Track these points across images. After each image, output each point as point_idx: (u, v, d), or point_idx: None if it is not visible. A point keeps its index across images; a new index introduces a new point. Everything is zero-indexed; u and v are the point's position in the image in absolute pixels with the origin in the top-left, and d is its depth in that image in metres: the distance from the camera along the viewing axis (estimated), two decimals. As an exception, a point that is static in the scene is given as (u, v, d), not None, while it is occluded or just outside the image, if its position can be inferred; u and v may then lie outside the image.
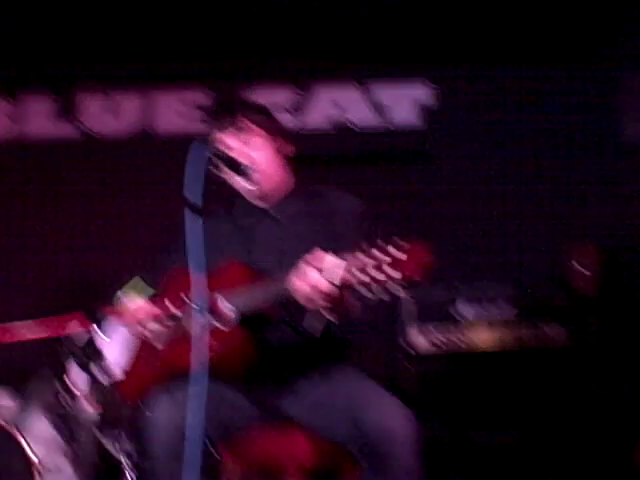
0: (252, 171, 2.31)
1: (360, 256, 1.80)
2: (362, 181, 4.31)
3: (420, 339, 3.58)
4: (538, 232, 4.14)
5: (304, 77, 4.40)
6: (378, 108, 4.43)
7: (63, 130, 4.42)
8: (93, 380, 2.81)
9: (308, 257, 1.94)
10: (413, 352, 3.55)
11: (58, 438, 2.57)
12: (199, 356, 1.97)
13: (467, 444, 3.52)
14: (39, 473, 2.63)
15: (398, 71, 4.36)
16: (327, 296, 1.91)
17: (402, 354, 3.53)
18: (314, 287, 1.91)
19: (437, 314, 3.62)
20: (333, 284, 1.87)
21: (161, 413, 2.17)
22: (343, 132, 4.45)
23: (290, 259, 2.29)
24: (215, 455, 2.25)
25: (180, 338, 2.28)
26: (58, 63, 4.29)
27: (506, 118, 4.32)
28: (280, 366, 2.33)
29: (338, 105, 4.43)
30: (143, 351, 2.46)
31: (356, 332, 2.21)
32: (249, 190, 2.37)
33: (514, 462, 3.45)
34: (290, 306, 2.07)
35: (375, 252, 1.78)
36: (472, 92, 4.31)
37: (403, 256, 1.74)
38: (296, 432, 2.32)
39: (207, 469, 2.18)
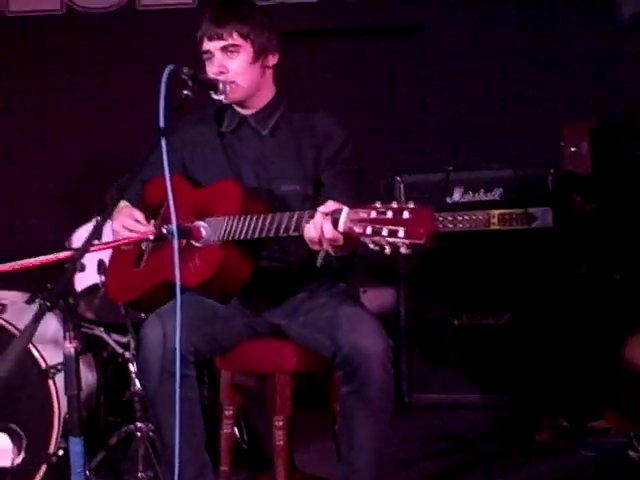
0: (224, 85, 2.32)
1: (370, 211, 1.85)
2: (351, 53, 4.24)
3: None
4: (531, 111, 4.06)
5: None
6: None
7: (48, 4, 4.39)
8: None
9: (321, 207, 2.00)
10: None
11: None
12: (177, 272, 2.04)
13: (459, 326, 3.61)
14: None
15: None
16: (332, 241, 1.98)
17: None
18: (322, 234, 1.98)
19: (429, 196, 3.62)
20: (339, 233, 1.93)
21: (151, 332, 2.27)
22: (331, 3, 4.28)
23: (268, 173, 2.40)
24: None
25: (162, 251, 2.30)
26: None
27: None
28: (272, 284, 2.41)
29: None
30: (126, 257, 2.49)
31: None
32: (222, 99, 2.38)
33: (506, 343, 3.54)
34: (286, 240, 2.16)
35: (386, 210, 1.83)
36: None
37: (411, 220, 1.80)
38: (284, 342, 2.43)
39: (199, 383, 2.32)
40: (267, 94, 2.45)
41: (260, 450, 3.03)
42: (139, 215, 2.37)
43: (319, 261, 2.12)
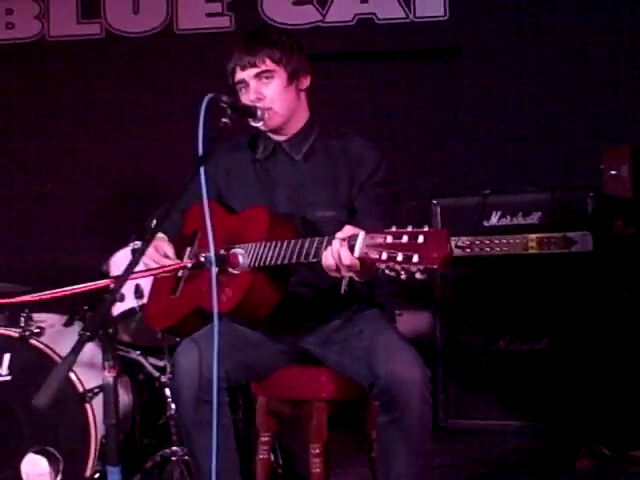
0: (262, 111, 2.35)
1: (386, 236, 1.85)
2: (388, 76, 4.24)
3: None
4: (571, 133, 4.02)
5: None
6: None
7: (87, 28, 4.47)
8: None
9: (338, 233, 2.00)
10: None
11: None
12: (214, 299, 2.03)
13: (495, 351, 3.56)
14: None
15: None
16: (349, 268, 1.97)
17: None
18: (339, 261, 1.98)
19: (465, 220, 3.59)
20: (355, 258, 1.93)
21: (185, 359, 2.28)
22: (368, 26, 4.29)
23: (302, 199, 2.40)
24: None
25: (197, 279, 2.33)
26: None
27: (535, 8, 4.12)
28: (305, 311, 2.41)
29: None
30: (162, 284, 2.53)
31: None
32: (261, 127, 2.41)
33: (545, 369, 3.48)
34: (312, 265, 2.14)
35: (402, 235, 1.82)
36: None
37: (425, 244, 1.79)
38: (320, 369, 2.42)
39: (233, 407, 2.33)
40: (301, 119, 2.47)
41: (295, 474, 3.01)
42: (169, 249, 2.42)
43: (343, 288, 2.11)
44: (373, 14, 4.31)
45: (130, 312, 2.94)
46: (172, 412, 2.82)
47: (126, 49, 4.44)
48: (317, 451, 2.39)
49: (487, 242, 3.57)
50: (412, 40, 4.26)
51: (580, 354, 3.44)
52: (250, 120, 2.35)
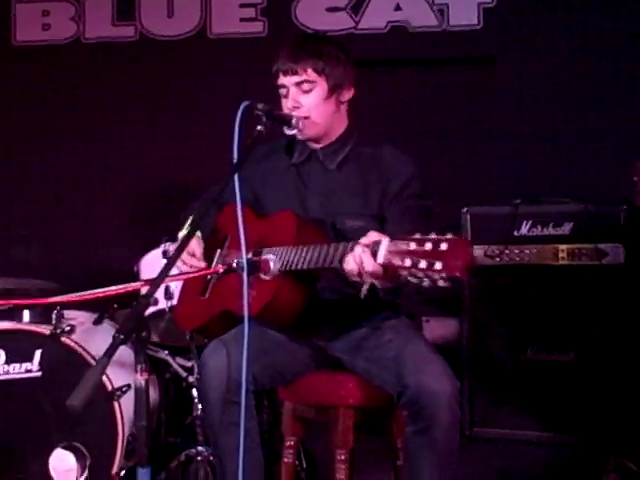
0: (297, 120, 2.34)
1: (410, 243, 1.84)
2: (421, 84, 4.23)
3: (476, 250, 3.56)
4: (604, 145, 3.99)
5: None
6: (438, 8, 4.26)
7: (122, 31, 4.50)
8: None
9: (362, 239, 1.99)
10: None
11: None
12: (244, 303, 2.03)
13: (522, 361, 3.53)
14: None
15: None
16: (372, 274, 1.97)
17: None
18: (361, 266, 1.97)
19: (496, 229, 3.57)
20: (378, 264, 1.92)
21: (213, 361, 2.29)
22: (401, 33, 4.29)
23: (333, 207, 2.41)
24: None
25: (225, 282, 2.35)
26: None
27: (570, 18, 4.09)
28: (333, 316, 2.42)
29: (397, 5, 4.28)
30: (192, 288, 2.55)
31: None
32: (296, 135, 2.41)
33: (572, 381, 3.46)
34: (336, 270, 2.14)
35: (425, 242, 1.82)
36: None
37: (449, 252, 1.78)
38: (348, 376, 2.42)
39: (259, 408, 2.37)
40: (339, 128, 2.46)
41: (319, 479, 3.02)
42: (197, 248, 2.43)
43: (363, 293, 2.09)
44: (407, 22, 4.31)
45: (159, 312, 2.97)
46: (199, 412, 2.84)
47: (160, 52, 4.46)
48: (343, 457, 2.39)
49: (517, 251, 3.56)
50: (445, 49, 4.24)
51: (608, 367, 3.41)
52: (285, 128, 2.35)
